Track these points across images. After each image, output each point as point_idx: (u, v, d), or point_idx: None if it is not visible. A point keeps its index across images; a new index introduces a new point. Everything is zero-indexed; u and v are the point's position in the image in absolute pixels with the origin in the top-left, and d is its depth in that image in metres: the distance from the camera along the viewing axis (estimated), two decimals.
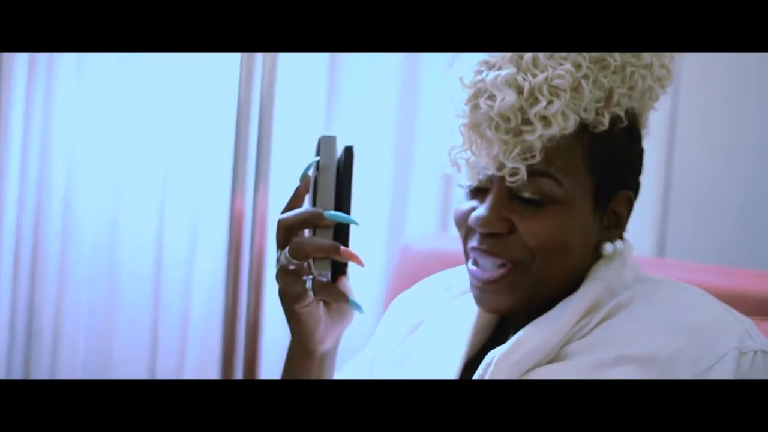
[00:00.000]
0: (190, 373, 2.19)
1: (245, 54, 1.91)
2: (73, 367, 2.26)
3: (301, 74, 2.11)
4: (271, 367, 2.01)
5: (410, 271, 1.66)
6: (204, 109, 2.15)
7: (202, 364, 2.19)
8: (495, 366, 1.17)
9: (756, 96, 1.96)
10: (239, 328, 1.97)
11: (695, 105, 1.99)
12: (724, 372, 1.10)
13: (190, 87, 2.16)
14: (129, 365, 2.26)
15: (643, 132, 1.25)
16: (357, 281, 2.06)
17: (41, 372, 2.27)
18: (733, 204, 1.98)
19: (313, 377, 1.23)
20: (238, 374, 1.99)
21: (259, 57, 1.93)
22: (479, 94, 1.16)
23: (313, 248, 1.14)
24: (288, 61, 2.03)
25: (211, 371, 2.16)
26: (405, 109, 2.13)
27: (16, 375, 2.28)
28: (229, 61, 2.02)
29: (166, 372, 2.23)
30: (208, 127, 2.15)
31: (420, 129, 2.14)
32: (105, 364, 2.27)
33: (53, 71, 2.20)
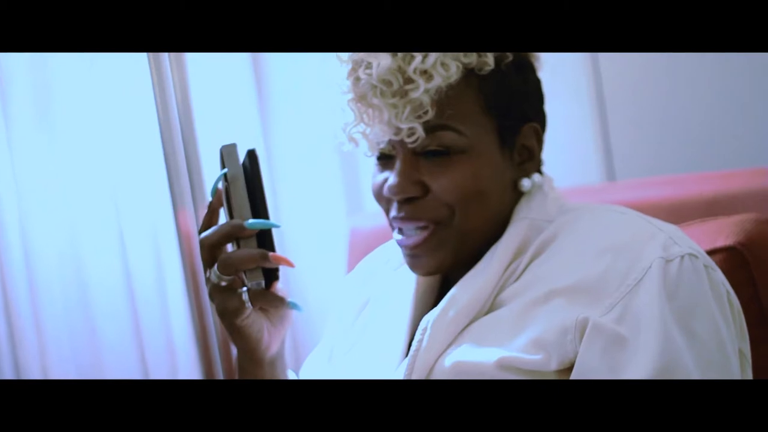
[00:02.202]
0: None
1: (154, 66, 1.90)
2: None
3: (220, 79, 2.08)
4: None
5: (363, 252, 1.65)
6: (131, 133, 2.13)
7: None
8: (431, 329, 1.17)
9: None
10: (213, 347, 1.97)
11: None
12: (652, 283, 1.10)
13: (112, 115, 2.12)
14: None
15: (535, 63, 1.24)
16: (321, 270, 2.08)
17: None
18: (670, 112, 1.98)
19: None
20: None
21: (168, 68, 1.92)
22: (357, 66, 1.16)
23: (242, 260, 1.14)
24: (202, 69, 2.01)
25: None
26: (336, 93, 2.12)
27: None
28: (141, 77, 1.99)
29: None
30: (140, 153, 2.13)
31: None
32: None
33: None
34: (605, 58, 1.98)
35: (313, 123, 2.15)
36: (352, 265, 1.74)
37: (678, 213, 1.47)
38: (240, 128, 2.09)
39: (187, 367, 2.18)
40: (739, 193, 1.52)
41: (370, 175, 2.10)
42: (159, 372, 2.22)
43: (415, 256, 1.21)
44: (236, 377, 1.26)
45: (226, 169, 1.17)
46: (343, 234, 2.13)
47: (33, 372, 2.22)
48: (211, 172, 1.96)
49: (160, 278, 2.19)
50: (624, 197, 1.54)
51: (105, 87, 2.04)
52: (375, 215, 1.94)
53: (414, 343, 1.18)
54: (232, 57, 2.08)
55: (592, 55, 1.98)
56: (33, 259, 2.19)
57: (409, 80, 1.14)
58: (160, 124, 1.93)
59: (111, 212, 2.18)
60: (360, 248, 1.73)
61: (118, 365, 2.25)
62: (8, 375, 2.21)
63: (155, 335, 2.22)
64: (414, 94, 1.14)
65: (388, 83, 1.14)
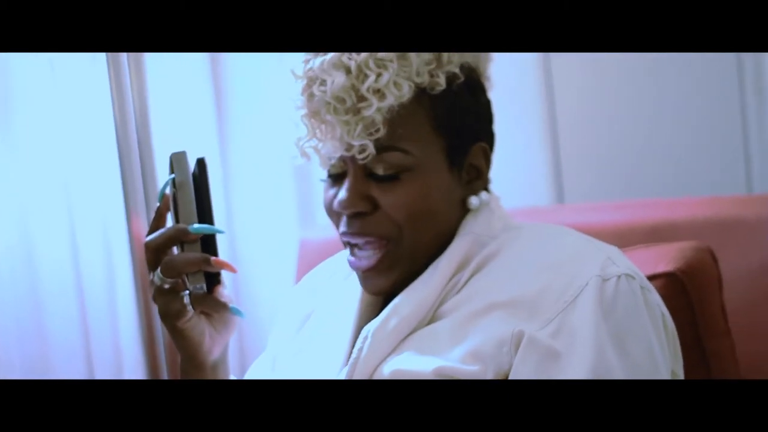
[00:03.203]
0: None
1: (113, 68, 1.91)
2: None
3: (178, 82, 2.09)
4: None
5: (312, 264, 1.67)
6: (86, 135, 2.13)
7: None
8: (372, 338, 1.20)
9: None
10: (159, 351, 1.98)
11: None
12: (588, 300, 1.12)
13: (68, 114, 2.12)
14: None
15: (486, 83, 1.27)
16: (271, 278, 2.09)
17: None
18: (620, 138, 2.01)
19: None
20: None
21: (126, 71, 1.93)
22: (311, 82, 1.18)
23: (184, 263, 1.16)
24: (160, 71, 2.02)
25: None
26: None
27: None
28: (99, 78, 2.00)
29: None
30: (95, 154, 2.13)
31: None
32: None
33: None
34: (559, 81, 2.01)
35: (269, 132, 2.16)
36: (301, 275, 1.76)
37: (623, 238, 1.50)
38: (196, 134, 2.10)
39: (132, 368, 2.19)
40: (682, 221, 1.56)
41: (323, 187, 2.14)
42: (104, 371, 2.23)
43: (368, 278, 1.23)
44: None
45: (173, 175, 1.19)
46: (294, 244, 2.15)
47: None
48: (165, 178, 1.97)
49: (110, 279, 2.20)
50: (572, 220, 1.57)
51: (63, 87, 2.04)
52: (325, 228, 1.96)
53: (354, 351, 1.20)
54: (191, 62, 2.10)
55: (547, 78, 2.01)
56: None
57: (362, 98, 1.17)
58: (116, 127, 1.94)
59: (63, 211, 2.18)
60: (309, 259, 1.75)
61: (64, 362, 2.24)
62: None
63: (102, 335, 2.22)
64: (366, 112, 1.16)
65: (342, 100, 1.17)
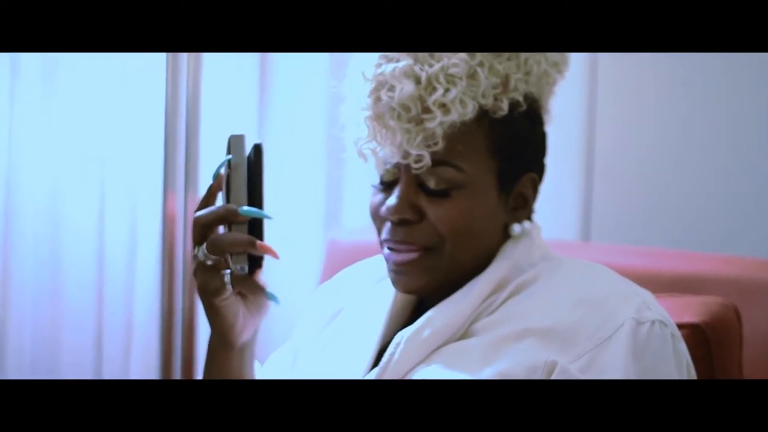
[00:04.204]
0: (135, 369, 2.22)
1: (170, 55, 1.94)
2: (20, 364, 2.28)
3: (228, 74, 2.13)
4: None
5: (339, 264, 1.69)
6: (134, 109, 2.17)
7: (145, 359, 2.21)
8: (404, 345, 1.22)
9: (675, 78, 2.01)
10: (176, 325, 2.00)
11: (615, 89, 2.04)
12: (621, 341, 1.15)
13: (121, 88, 2.17)
14: (75, 370, 2.28)
15: (545, 116, 1.29)
16: (292, 275, 2.12)
17: None
18: (654, 186, 2.03)
19: (234, 368, 1.26)
20: (177, 371, 2.02)
21: (184, 57, 1.96)
22: (380, 86, 1.21)
23: (230, 243, 1.18)
24: (215, 61, 2.05)
25: (153, 366, 2.19)
26: (335, 104, 2.17)
27: None
28: (155, 61, 2.03)
29: (110, 367, 2.26)
30: (139, 128, 2.16)
31: (347, 124, 2.17)
32: (51, 360, 2.28)
33: None
34: (602, 119, 2.03)
35: (308, 132, 2.19)
36: (326, 274, 1.78)
37: (647, 284, 1.51)
38: (238, 125, 2.14)
39: (143, 344, 2.21)
40: (707, 276, 1.58)
41: (354, 191, 2.17)
42: (113, 343, 2.25)
43: (401, 273, 1.25)
44: (204, 357, 1.29)
45: (230, 156, 1.21)
46: (318, 243, 2.18)
47: None
48: (207, 162, 1.99)
49: (132, 252, 2.22)
50: (596, 259, 1.60)
51: (118, 57, 2.08)
52: (355, 230, 1.99)
53: (386, 355, 1.23)
54: (244, 57, 2.13)
55: (590, 114, 2.03)
56: (12, 210, 2.22)
57: (427, 110, 1.19)
58: (166, 105, 1.96)
59: (96, 179, 2.22)
60: (336, 260, 1.77)
61: (75, 330, 2.27)
62: None
63: (116, 307, 2.25)
64: (429, 124, 1.19)
65: (407, 109, 1.19)
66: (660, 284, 1.56)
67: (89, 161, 2.21)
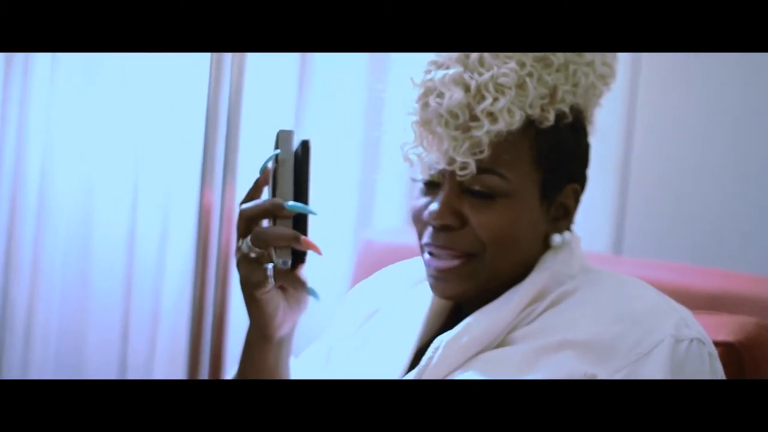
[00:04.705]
0: (160, 364, 2.24)
1: (215, 53, 1.96)
2: (45, 357, 2.30)
3: (270, 72, 2.15)
4: (237, 354, 2.05)
5: (373, 264, 1.69)
6: (175, 105, 2.19)
7: (171, 354, 2.23)
8: (443, 350, 1.23)
9: (715, 95, 2.01)
10: (206, 319, 2.01)
11: (654, 103, 2.04)
12: (660, 357, 1.16)
13: (162, 84, 2.20)
14: (100, 353, 2.30)
15: (589, 127, 1.30)
16: (322, 273, 2.13)
17: (13, 362, 2.30)
18: (688, 202, 2.03)
19: (270, 362, 1.27)
20: (205, 364, 2.03)
21: (228, 55, 1.98)
22: (429, 92, 1.21)
23: (275, 237, 1.18)
24: (257, 59, 2.07)
25: (179, 361, 2.20)
26: (372, 106, 2.18)
27: None
28: (199, 59, 2.06)
29: (136, 361, 2.27)
30: (179, 123, 2.19)
31: (387, 125, 2.18)
32: (77, 352, 2.30)
33: (29, 69, 2.24)
34: (640, 133, 2.03)
35: (344, 132, 2.20)
36: (359, 274, 1.79)
37: (679, 301, 1.53)
38: (276, 122, 2.15)
39: (171, 337, 2.23)
40: (741, 296, 1.58)
41: (386, 192, 2.18)
42: (140, 338, 2.27)
43: (440, 279, 1.26)
44: (231, 350, 1.30)
45: (278, 151, 1.22)
46: (349, 242, 2.19)
47: (19, 310, 2.26)
48: (245, 157, 2.01)
49: (163, 244, 2.24)
50: (628, 272, 1.59)
51: (160, 55, 2.11)
52: (389, 231, 2.00)
53: (424, 359, 1.23)
54: (286, 57, 2.15)
55: (628, 129, 2.03)
56: (45, 203, 2.24)
57: (474, 118, 1.20)
58: (208, 101, 1.98)
59: (130, 173, 2.24)
60: (370, 260, 1.78)
61: (101, 321, 2.29)
62: None
63: (145, 298, 2.27)
64: (476, 133, 1.19)
65: (455, 116, 1.20)
66: (693, 301, 1.55)
67: (124, 155, 2.24)
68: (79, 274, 2.30)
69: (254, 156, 2.08)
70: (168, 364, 2.22)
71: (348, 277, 2.08)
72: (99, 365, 2.30)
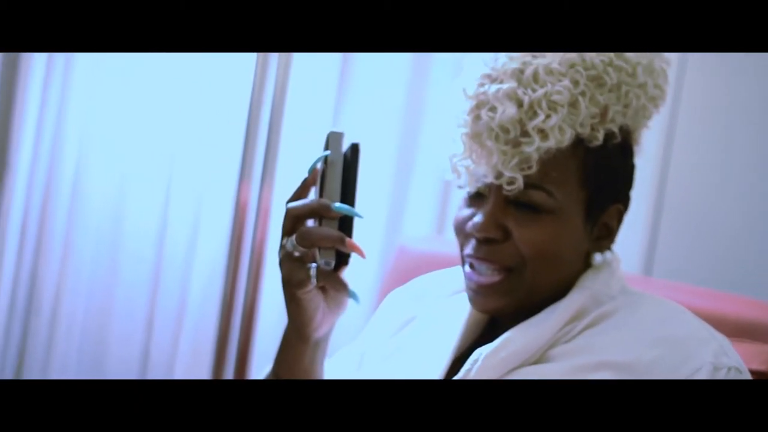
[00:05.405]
0: (184, 356, 2.24)
1: (261, 54, 1.97)
2: (69, 343, 2.31)
3: (313, 72, 2.16)
4: (264, 353, 2.06)
5: (405, 272, 1.70)
6: (217, 102, 2.20)
7: (196, 347, 2.24)
8: (482, 362, 1.23)
9: (756, 121, 2.01)
10: (235, 315, 2.02)
11: (693, 127, 2.04)
12: None
13: (206, 81, 2.21)
14: (124, 344, 2.31)
15: (636, 148, 1.31)
16: (350, 276, 2.14)
17: (38, 346, 2.31)
18: (723, 228, 2.03)
19: (305, 362, 1.27)
20: (231, 358, 2.04)
21: (274, 55, 1.99)
22: (481, 105, 1.22)
23: (320, 237, 1.18)
24: (302, 60, 2.08)
25: (205, 355, 2.21)
26: (411, 111, 2.19)
27: (13, 348, 2.32)
28: (245, 58, 2.07)
29: (159, 352, 2.28)
30: (220, 120, 2.20)
31: (425, 132, 2.19)
32: (100, 341, 2.31)
33: (70, 68, 2.26)
34: (677, 157, 2.04)
35: (380, 135, 2.21)
36: (391, 280, 1.79)
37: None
38: (315, 121, 2.16)
39: (194, 331, 2.23)
40: None
41: (418, 199, 2.18)
42: (164, 331, 2.28)
43: (480, 294, 1.26)
44: (277, 348, 1.31)
45: (328, 152, 1.23)
46: (377, 247, 2.19)
47: (46, 298, 2.28)
48: (286, 156, 2.02)
49: (194, 240, 2.25)
50: (658, 295, 1.60)
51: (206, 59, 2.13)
52: (423, 238, 2.00)
53: (462, 370, 1.24)
54: (330, 58, 2.16)
55: (665, 152, 2.04)
56: (80, 188, 2.26)
57: (525, 134, 1.20)
58: (252, 99, 1.99)
59: (165, 164, 2.25)
60: (404, 268, 1.78)
61: (127, 312, 2.30)
62: (21, 302, 2.27)
63: (172, 292, 2.28)
64: (526, 148, 1.20)
65: (506, 131, 1.20)
66: (723, 328, 1.55)
67: (160, 150, 2.25)
68: (108, 264, 2.31)
69: (293, 155, 2.09)
70: (191, 359, 2.23)
71: (375, 282, 2.09)
72: (121, 356, 2.31)
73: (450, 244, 1.52)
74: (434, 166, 2.16)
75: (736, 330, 1.56)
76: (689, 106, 2.02)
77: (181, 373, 2.24)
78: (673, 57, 1.29)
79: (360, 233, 2.19)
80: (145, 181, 2.27)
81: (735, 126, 2.02)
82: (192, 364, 2.23)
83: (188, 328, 2.25)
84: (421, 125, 2.19)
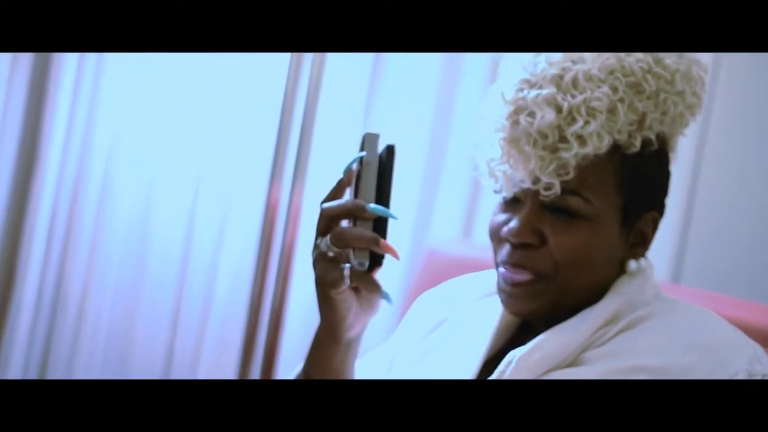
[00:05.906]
0: (209, 356, 2.25)
1: (295, 54, 1.98)
2: (94, 341, 2.32)
3: (345, 73, 2.17)
4: (291, 355, 2.07)
5: (435, 274, 1.71)
6: (250, 102, 2.22)
7: (221, 347, 2.24)
8: (516, 364, 1.23)
9: None
10: (263, 316, 2.02)
11: (725, 134, 2.04)
12: None
13: (239, 80, 2.22)
14: (149, 342, 2.32)
15: (672, 156, 1.31)
16: (379, 278, 2.14)
17: (63, 344, 2.32)
18: (752, 237, 2.02)
19: (336, 362, 1.28)
20: (258, 358, 2.05)
21: (308, 55, 2.00)
22: (520, 110, 1.22)
23: (355, 238, 1.19)
24: (334, 60, 2.09)
25: (230, 355, 2.22)
26: (441, 112, 2.19)
27: (39, 344, 2.33)
28: (278, 58, 2.08)
29: (184, 351, 2.29)
30: (252, 119, 2.21)
31: (454, 134, 2.20)
32: (126, 339, 2.33)
33: (101, 67, 2.28)
34: (709, 166, 2.03)
35: (410, 137, 2.22)
36: (420, 283, 1.80)
37: None
38: (345, 122, 2.17)
39: (220, 330, 2.24)
40: None
41: (446, 202, 2.19)
42: (189, 329, 2.29)
43: (513, 295, 1.27)
44: (308, 348, 1.31)
45: (364, 153, 1.23)
46: (404, 248, 2.20)
47: (72, 302, 2.29)
48: (317, 157, 2.03)
49: (222, 239, 2.26)
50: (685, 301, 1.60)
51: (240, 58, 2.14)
52: (452, 241, 2.00)
53: (496, 372, 1.24)
54: (363, 58, 2.17)
55: (696, 161, 2.03)
56: (109, 186, 2.27)
57: (564, 139, 1.20)
58: (285, 98, 2.00)
59: (195, 164, 2.26)
60: (433, 271, 1.79)
61: (154, 310, 2.31)
62: (48, 300, 2.28)
63: (199, 290, 2.28)
64: (564, 154, 1.20)
65: (545, 136, 1.20)
66: (753, 338, 1.55)
67: (190, 150, 2.26)
68: (135, 264, 2.32)
69: (325, 156, 2.10)
70: (215, 360, 2.24)
71: (403, 284, 2.09)
72: (146, 355, 2.32)
73: (479, 247, 1.52)
74: (463, 168, 2.16)
75: (766, 339, 1.55)
76: (721, 112, 2.02)
77: (204, 374, 2.25)
78: (706, 62, 1.29)
79: (389, 234, 2.21)
80: (174, 180, 2.28)
81: (766, 132, 2.02)
82: (215, 365, 2.24)
83: (213, 328, 2.26)
84: (450, 127, 2.19)
